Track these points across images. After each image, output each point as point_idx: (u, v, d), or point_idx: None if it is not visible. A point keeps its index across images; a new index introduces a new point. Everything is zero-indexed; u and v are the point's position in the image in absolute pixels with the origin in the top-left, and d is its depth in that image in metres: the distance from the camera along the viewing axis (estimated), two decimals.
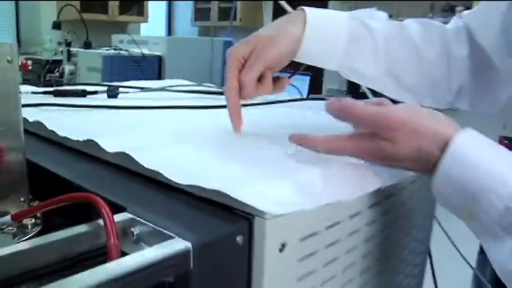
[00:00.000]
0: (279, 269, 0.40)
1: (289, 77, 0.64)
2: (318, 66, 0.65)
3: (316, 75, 2.93)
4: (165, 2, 6.21)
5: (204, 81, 1.13)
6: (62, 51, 3.19)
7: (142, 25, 5.42)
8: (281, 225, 0.39)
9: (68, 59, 3.15)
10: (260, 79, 0.59)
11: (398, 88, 0.66)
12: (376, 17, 0.64)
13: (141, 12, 5.12)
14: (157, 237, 0.34)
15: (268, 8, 5.08)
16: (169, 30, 6.40)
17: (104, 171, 0.50)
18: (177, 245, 0.33)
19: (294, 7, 0.67)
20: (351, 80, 0.66)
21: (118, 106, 0.73)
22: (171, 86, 0.96)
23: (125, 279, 0.29)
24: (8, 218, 0.41)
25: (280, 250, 0.39)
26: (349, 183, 0.45)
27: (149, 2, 5.17)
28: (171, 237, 0.34)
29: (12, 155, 0.42)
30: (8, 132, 0.42)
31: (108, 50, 3.28)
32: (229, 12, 4.38)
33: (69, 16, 3.51)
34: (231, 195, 0.37)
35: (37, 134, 0.62)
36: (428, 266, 0.79)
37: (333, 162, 0.47)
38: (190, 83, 1.13)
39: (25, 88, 0.88)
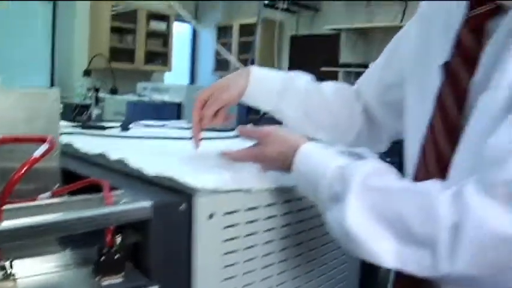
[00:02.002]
0: (209, 231, 0.65)
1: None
2: (258, 107, 0.91)
3: None
4: (188, 53, 6.66)
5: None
6: (90, 96, 3.51)
7: (168, 74, 5.82)
8: (210, 201, 0.64)
9: (96, 104, 3.46)
10: (215, 114, 0.85)
11: (315, 128, 0.90)
12: (302, 78, 0.90)
13: (165, 62, 5.54)
14: (134, 202, 0.60)
15: (284, 61, 5.44)
16: (192, 79, 6.81)
17: (108, 172, 0.76)
18: (144, 203, 0.59)
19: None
20: (279, 120, 0.92)
21: (122, 136, 1.01)
22: (170, 123, 1.25)
23: (111, 215, 0.55)
24: (48, 194, 0.67)
25: (209, 218, 0.64)
26: (255, 179, 0.71)
27: (173, 54, 5.59)
28: (141, 200, 0.59)
29: (52, 157, 0.69)
30: None
31: (132, 96, 3.64)
32: (246, 63, 4.74)
33: (99, 64, 3.90)
34: (178, 179, 0.63)
35: (65, 152, 0.89)
36: None
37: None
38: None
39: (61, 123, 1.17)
